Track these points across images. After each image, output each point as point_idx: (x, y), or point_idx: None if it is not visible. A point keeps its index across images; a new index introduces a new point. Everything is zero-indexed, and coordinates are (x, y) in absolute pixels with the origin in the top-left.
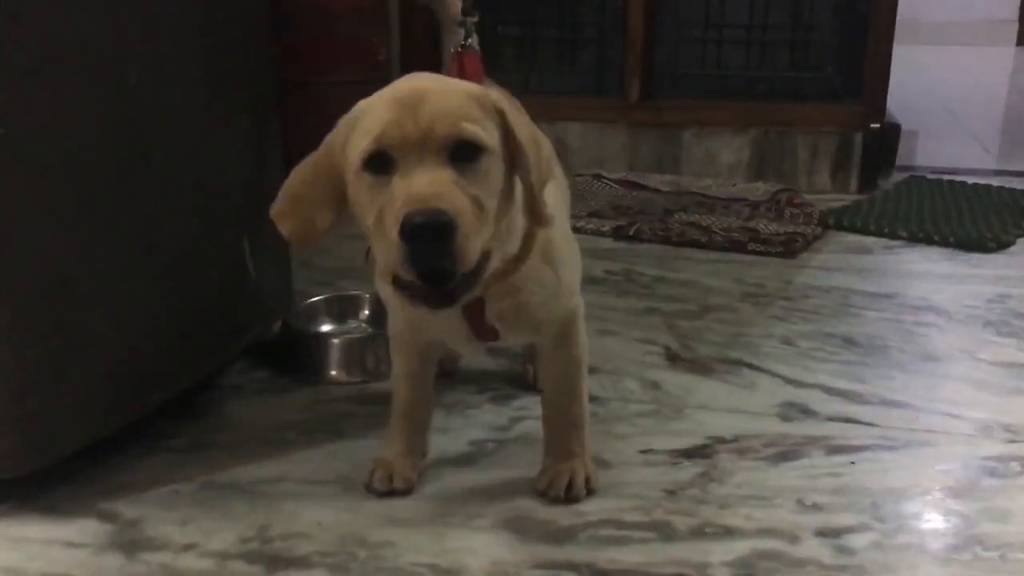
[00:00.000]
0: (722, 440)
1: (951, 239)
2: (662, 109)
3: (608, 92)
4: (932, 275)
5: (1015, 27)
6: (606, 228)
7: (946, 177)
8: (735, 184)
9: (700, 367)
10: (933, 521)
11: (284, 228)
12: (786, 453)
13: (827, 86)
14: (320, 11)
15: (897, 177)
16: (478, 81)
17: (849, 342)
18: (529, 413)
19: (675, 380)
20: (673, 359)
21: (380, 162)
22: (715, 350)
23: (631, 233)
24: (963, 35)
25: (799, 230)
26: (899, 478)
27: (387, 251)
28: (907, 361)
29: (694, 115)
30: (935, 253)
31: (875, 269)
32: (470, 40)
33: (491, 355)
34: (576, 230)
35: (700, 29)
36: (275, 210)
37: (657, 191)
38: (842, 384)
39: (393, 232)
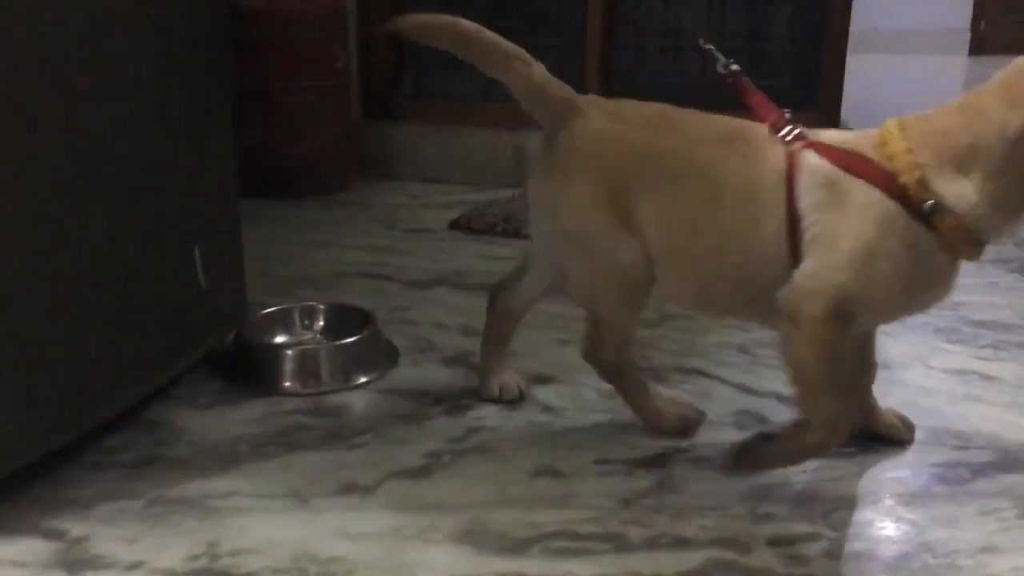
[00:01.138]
0: (678, 449)
1: None
2: None
3: None
4: None
5: (967, 36)
6: None
7: None
8: None
9: (656, 377)
10: (884, 529)
11: None
12: None
13: (784, 95)
14: (280, 17)
15: None
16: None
17: None
18: (485, 424)
19: None
20: None
21: None
22: (672, 359)
23: None
24: (918, 44)
25: None
26: (851, 486)
27: None
28: None
29: None
30: None
31: None
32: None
33: (450, 365)
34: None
35: (658, 37)
36: None
37: None
38: None
39: None
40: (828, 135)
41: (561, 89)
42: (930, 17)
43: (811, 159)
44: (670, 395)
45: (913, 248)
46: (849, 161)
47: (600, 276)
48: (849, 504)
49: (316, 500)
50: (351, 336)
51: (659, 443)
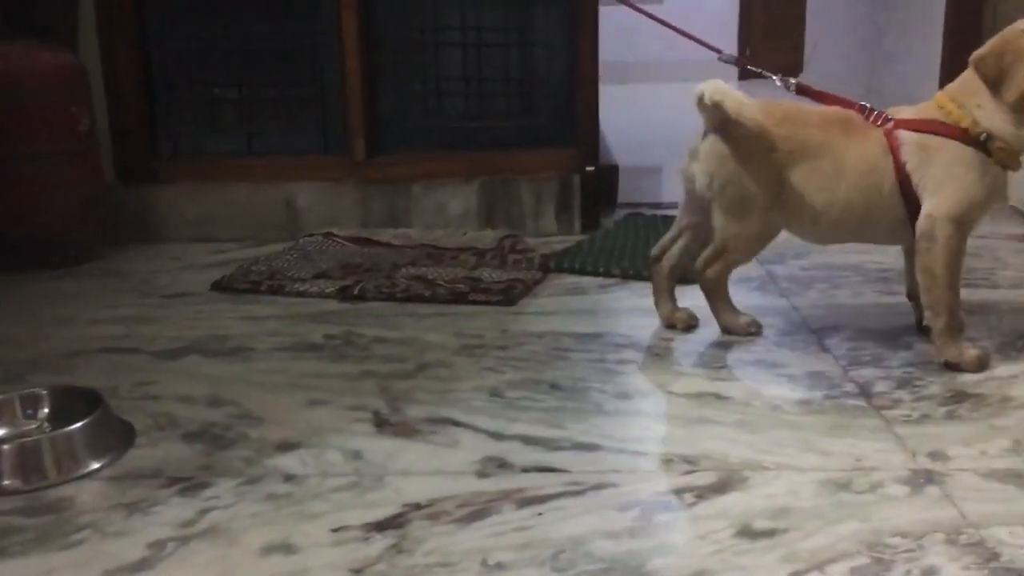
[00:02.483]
0: (417, 506)
1: None
2: (389, 164)
3: (334, 150)
4: (638, 311)
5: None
6: (330, 290)
7: (666, 212)
8: (465, 233)
9: (406, 430)
10: (606, 564)
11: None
12: (479, 512)
13: (544, 133)
14: (7, 79)
15: (620, 215)
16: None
17: (554, 387)
18: (219, 502)
19: (379, 447)
20: (381, 424)
21: None
22: (425, 410)
23: (356, 293)
24: (695, 72)
25: (520, 276)
26: (581, 524)
27: None
28: (604, 401)
29: (421, 168)
30: (645, 289)
31: (588, 310)
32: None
33: (191, 441)
34: (299, 294)
35: (419, 83)
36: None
37: (389, 245)
38: (541, 432)
39: None
40: (905, 111)
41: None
42: (701, 47)
43: (904, 135)
44: (746, 315)
45: (985, 169)
46: (929, 127)
47: (750, 229)
48: (577, 543)
49: None
50: (78, 421)
51: (399, 502)
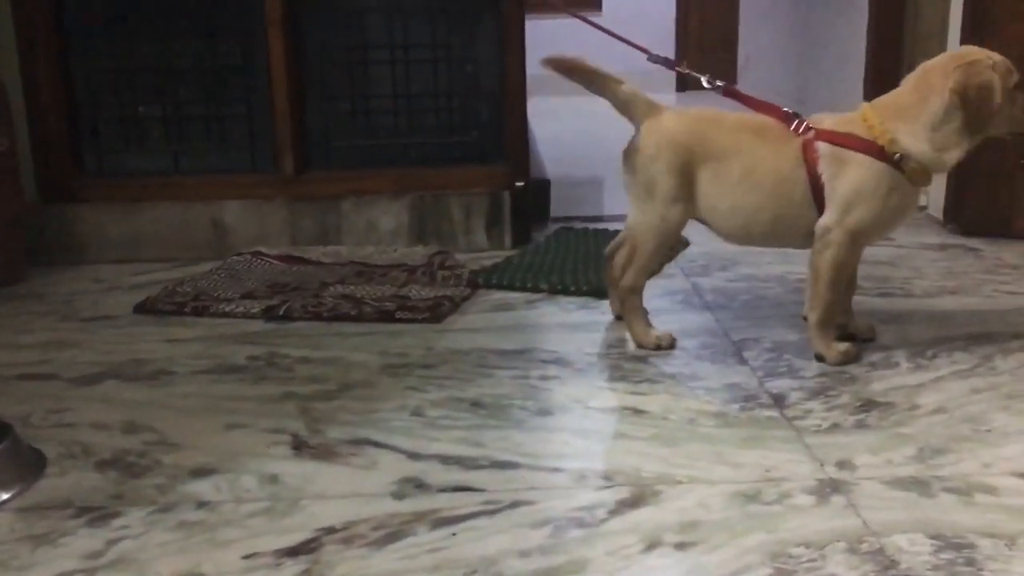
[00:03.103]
0: (331, 530)
1: (585, 288)
2: (319, 181)
3: (263, 168)
4: (564, 326)
5: (673, 75)
6: (256, 310)
7: (597, 225)
8: (396, 250)
9: (325, 453)
10: None
11: None
12: (393, 534)
13: (474, 149)
14: None
15: (552, 229)
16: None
17: (476, 405)
18: (129, 532)
19: (296, 470)
20: (299, 447)
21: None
22: (345, 431)
23: (282, 313)
24: (637, 85)
25: (448, 293)
26: (494, 543)
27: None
28: (525, 418)
29: (351, 185)
30: (571, 303)
31: (514, 326)
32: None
33: (103, 469)
34: (225, 315)
35: (348, 100)
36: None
37: (319, 263)
38: (460, 451)
39: None
40: (827, 121)
41: (644, 96)
42: (639, 60)
43: (822, 146)
44: (657, 331)
45: (893, 187)
46: (846, 140)
47: (652, 216)
48: (490, 564)
49: None
50: None
51: (314, 527)
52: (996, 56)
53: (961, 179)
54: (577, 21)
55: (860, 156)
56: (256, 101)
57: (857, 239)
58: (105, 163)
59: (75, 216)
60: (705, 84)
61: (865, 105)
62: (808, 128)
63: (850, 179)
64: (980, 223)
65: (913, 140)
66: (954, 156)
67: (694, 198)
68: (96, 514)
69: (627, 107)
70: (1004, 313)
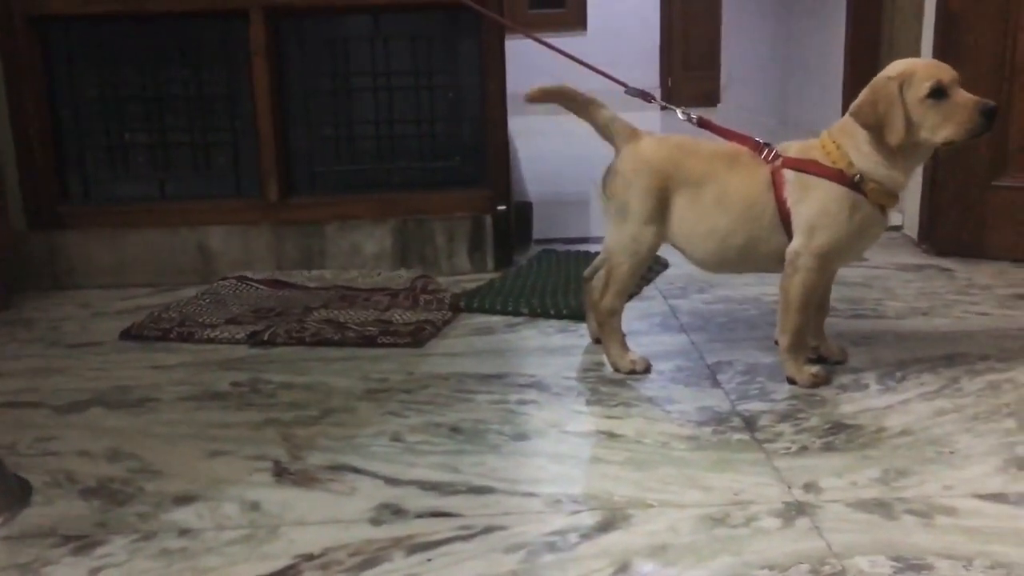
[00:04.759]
0: (310, 556)
1: (565, 311)
2: (303, 206)
3: (248, 193)
4: (543, 350)
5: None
6: (240, 335)
7: (579, 247)
8: (379, 274)
9: (305, 479)
10: None
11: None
12: (370, 560)
13: (456, 174)
14: None
15: (534, 252)
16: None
17: (455, 430)
18: (112, 560)
19: (277, 497)
20: (280, 473)
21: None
22: (325, 457)
23: (265, 338)
24: (625, 103)
25: (430, 317)
26: (468, 569)
27: (959, 124)
28: (502, 443)
29: (335, 210)
30: (551, 327)
31: (494, 350)
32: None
33: (88, 497)
34: (209, 340)
35: (331, 126)
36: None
37: (303, 288)
38: (437, 476)
39: (973, 114)
40: (793, 148)
41: (624, 122)
42: (625, 79)
43: (788, 173)
44: (633, 355)
45: (856, 209)
46: (807, 166)
47: (625, 235)
48: None
49: None
50: None
51: (292, 553)
52: (918, 64)
53: (935, 199)
54: (561, 37)
55: (822, 180)
56: (241, 128)
57: (825, 263)
58: (91, 190)
59: (62, 242)
60: (680, 116)
61: (824, 133)
62: (776, 156)
63: (813, 203)
64: (953, 243)
65: (866, 161)
66: (901, 172)
67: (668, 222)
68: (80, 543)
69: (608, 131)
70: (973, 334)
